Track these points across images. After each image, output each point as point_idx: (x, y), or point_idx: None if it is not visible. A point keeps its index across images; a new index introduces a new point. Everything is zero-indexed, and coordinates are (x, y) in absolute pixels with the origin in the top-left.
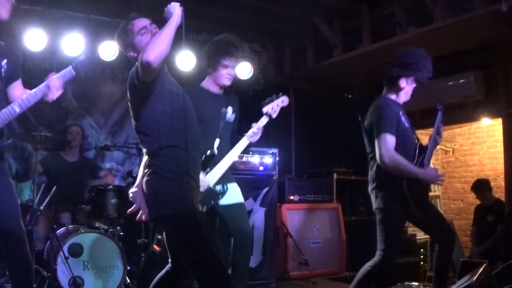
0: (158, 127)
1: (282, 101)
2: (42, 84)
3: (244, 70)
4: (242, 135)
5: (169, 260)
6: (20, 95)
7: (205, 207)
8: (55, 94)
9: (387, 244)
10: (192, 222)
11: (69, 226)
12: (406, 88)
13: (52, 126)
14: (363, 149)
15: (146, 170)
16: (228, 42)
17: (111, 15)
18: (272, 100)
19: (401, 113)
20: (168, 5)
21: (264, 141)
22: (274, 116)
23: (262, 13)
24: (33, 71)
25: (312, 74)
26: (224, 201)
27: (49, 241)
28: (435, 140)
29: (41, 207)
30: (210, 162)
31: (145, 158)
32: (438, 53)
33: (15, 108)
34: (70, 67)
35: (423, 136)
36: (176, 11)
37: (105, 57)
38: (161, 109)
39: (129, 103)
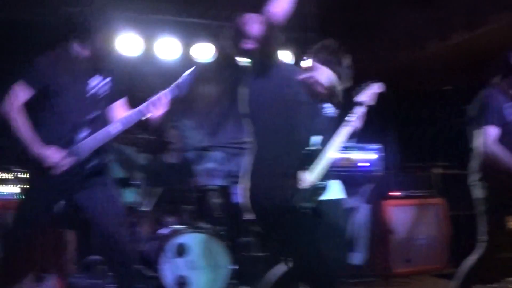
0: None
1: (378, 87)
2: (146, 103)
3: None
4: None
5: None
6: (124, 111)
7: (310, 205)
8: (158, 113)
9: (490, 236)
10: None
11: (174, 227)
12: None
13: (153, 129)
14: (465, 142)
15: None
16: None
17: (205, 17)
18: (367, 87)
19: (508, 104)
20: None
21: (367, 137)
22: (372, 103)
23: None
24: (129, 77)
25: (407, 67)
26: (324, 197)
27: (154, 242)
28: None
29: (145, 209)
30: (314, 159)
31: None
32: None
33: (117, 126)
34: (174, 85)
35: None
36: None
37: (200, 59)
38: None
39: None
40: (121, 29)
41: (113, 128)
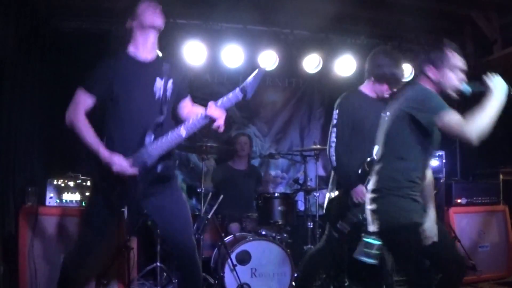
0: None
1: None
2: (209, 108)
3: (405, 71)
4: None
5: None
6: (189, 113)
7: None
8: (220, 121)
9: None
10: None
11: (237, 234)
12: None
13: (216, 136)
14: None
15: None
16: (399, 63)
17: (268, 24)
18: None
19: None
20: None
21: None
22: None
23: (419, 12)
24: (195, 85)
25: (472, 71)
26: None
27: (216, 249)
28: None
29: (209, 216)
30: (371, 170)
31: None
32: None
33: (182, 132)
34: (238, 89)
35: None
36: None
37: (264, 66)
38: None
39: None
40: (187, 37)
41: (180, 133)
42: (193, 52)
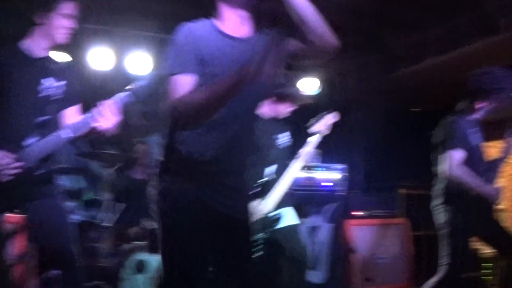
0: None
1: (332, 117)
2: (95, 110)
3: (311, 85)
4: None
5: None
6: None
7: (264, 235)
8: (106, 123)
9: (452, 259)
10: None
11: (135, 243)
12: (484, 108)
13: (118, 144)
14: (430, 163)
15: None
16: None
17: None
18: (322, 118)
19: (471, 130)
20: None
21: (330, 156)
22: (326, 132)
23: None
24: (100, 91)
25: (378, 87)
26: (279, 225)
27: (114, 257)
28: (504, 160)
29: (108, 224)
30: (268, 189)
31: None
32: (506, 64)
33: (63, 133)
34: (129, 91)
35: (490, 148)
36: None
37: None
38: None
39: None
40: (93, 42)
41: (63, 134)
42: (100, 58)
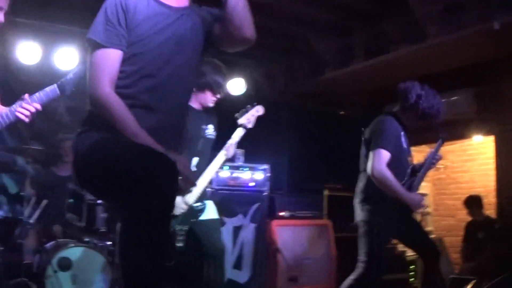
0: None
1: (257, 110)
2: (16, 104)
3: (237, 86)
4: (218, 151)
5: None
6: None
7: (185, 226)
8: (25, 116)
9: (369, 257)
10: None
11: (59, 240)
12: (414, 117)
13: (44, 140)
14: (355, 166)
15: None
16: (221, 71)
17: None
18: (247, 111)
19: (402, 133)
20: None
21: (256, 157)
22: (250, 126)
23: (255, 28)
24: (26, 85)
25: (304, 90)
26: (201, 217)
27: (38, 255)
28: (430, 165)
29: (31, 221)
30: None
31: None
32: (431, 71)
33: None
34: (55, 85)
35: (414, 152)
36: None
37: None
38: None
39: None
40: (20, 36)
41: None
42: (27, 51)
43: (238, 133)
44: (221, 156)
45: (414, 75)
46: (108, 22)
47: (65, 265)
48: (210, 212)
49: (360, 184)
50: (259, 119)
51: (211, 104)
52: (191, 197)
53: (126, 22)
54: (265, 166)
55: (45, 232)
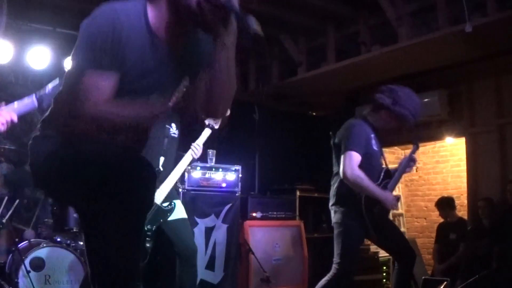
0: None
1: None
2: None
3: None
4: (185, 151)
5: None
6: None
7: (153, 225)
8: (1, 125)
9: (343, 258)
10: None
11: (31, 240)
12: (388, 119)
13: (16, 139)
14: (326, 167)
15: None
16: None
17: (78, 29)
18: None
19: (372, 135)
20: None
21: (227, 157)
22: (216, 127)
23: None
24: None
25: (276, 91)
26: (169, 217)
27: (11, 255)
28: (405, 168)
29: (3, 220)
30: (161, 179)
31: None
32: (403, 72)
33: None
34: (34, 97)
35: (387, 154)
36: None
37: None
38: None
39: None
40: None
41: None
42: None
43: (205, 134)
44: (188, 157)
45: (386, 76)
46: None
47: (37, 265)
48: (180, 211)
49: (333, 188)
50: (230, 119)
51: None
52: (159, 196)
53: None
54: (237, 167)
55: (17, 231)
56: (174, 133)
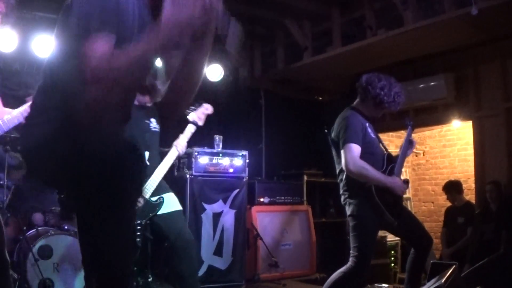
0: None
1: (206, 109)
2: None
3: (215, 72)
4: (170, 146)
5: None
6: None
7: (143, 220)
8: None
9: (360, 251)
10: None
11: (39, 228)
12: (374, 107)
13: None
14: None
15: None
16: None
17: None
18: (196, 109)
19: (367, 124)
20: None
21: (234, 143)
22: (200, 123)
23: (233, 14)
24: (4, 72)
25: (282, 76)
26: (160, 211)
27: (18, 243)
28: (406, 151)
29: (11, 209)
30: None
31: None
32: (409, 56)
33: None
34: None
35: (394, 138)
36: None
37: None
38: None
39: None
40: None
41: None
42: (4, 39)
43: (189, 130)
44: (174, 152)
45: (392, 60)
46: None
47: (46, 253)
48: (171, 204)
49: (341, 184)
50: (237, 104)
51: (149, 105)
52: (147, 191)
53: None
54: (244, 152)
55: (25, 220)
56: (155, 128)
